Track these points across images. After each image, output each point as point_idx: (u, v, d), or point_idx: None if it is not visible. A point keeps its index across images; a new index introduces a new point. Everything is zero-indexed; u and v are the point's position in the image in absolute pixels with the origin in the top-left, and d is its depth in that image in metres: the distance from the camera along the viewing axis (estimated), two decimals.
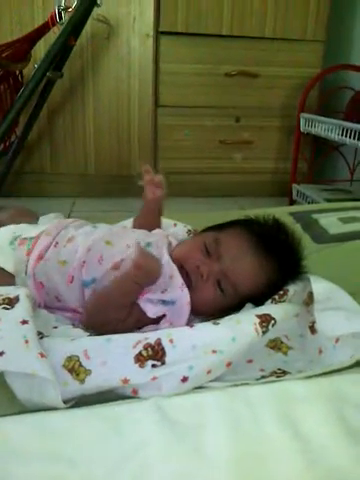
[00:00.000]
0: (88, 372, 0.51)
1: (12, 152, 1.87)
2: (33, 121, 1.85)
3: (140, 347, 0.53)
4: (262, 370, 0.58)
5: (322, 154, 2.22)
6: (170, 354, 0.53)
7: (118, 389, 0.52)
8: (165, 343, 0.54)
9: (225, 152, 2.21)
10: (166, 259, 0.69)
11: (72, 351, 0.53)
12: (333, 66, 2.06)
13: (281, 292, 0.68)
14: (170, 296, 0.66)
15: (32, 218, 0.92)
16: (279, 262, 0.69)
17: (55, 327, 0.62)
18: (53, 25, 1.51)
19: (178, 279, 0.66)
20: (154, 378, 0.51)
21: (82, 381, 0.51)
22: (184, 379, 0.52)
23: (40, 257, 0.70)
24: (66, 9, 1.49)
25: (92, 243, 0.71)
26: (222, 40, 2.06)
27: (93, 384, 0.51)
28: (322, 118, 1.83)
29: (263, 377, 0.56)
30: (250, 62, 2.10)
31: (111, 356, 0.52)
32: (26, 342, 0.51)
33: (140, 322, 0.64)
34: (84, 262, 0.68)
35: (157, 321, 0.65)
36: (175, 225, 0.95)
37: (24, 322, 0.54)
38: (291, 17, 2.06)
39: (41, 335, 0.55)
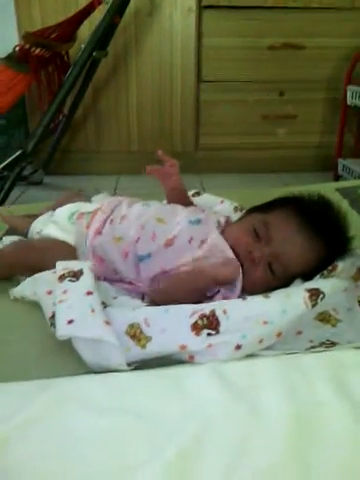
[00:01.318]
0: (149, 338, 0.56)
1: (59, 131, 1.92)
2: (79, 100, 1.90)
3: (196, 317, 0.57)
4: (311, 341, 0.61)
5: None
6: (224, 324, 0.56)
7: (176, 355, 0.56)
8: (219, 313, 0.57)
9: (268, 127, 2.19)
10: (216, 235, 0.72)
11: (134, 319, 0.57)
12: None
13: (330, 267, 0.70)
14: None
15: (83, 198, 0.97)
16: (327, 240, 0.70)
17: (115, 297, 0.66)
18: (98, 4, 1.52)
19: (230, 253, 0.69)
20: (210, 345, 0.55)
21: (143, 347, 0.55)
22: (238, 347, 0.55)
23: (98, 232, 0.75)
24: None
25: (145, 221, 0.74)
26: (266, 12, 2.02)
27: (153, 349, 0.55)
28: None
29: (312, 347, 0.59)
30: (295, 34, 2.05)
31: (170, 324, 0.56)
32: (92, 311, 0.56)
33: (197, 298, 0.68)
34: (138, 238, 0.72)
35: (211, 297, 0.68)
36: (222, 202, 0.98)
37: (89, 293, 0.58)
38: None
39: (104, 305, 0.59)
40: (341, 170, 2.02)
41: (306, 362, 0.49)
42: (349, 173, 1.95)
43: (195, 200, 0.92)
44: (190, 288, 0.65)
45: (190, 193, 0.99)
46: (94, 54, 1.61)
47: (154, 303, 0.65)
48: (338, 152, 2.07)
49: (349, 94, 1.93)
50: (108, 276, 0.73)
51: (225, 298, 0.67)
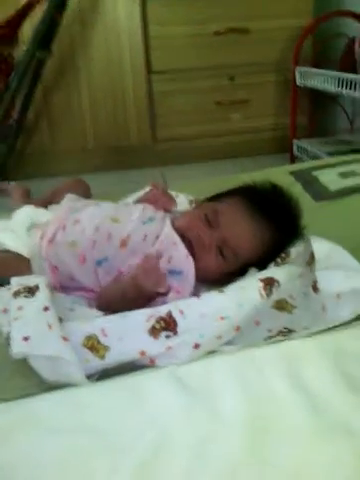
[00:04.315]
0: (107, 348, 0.56)
1: (11, 136, 1.88)
2: (28, 103, 1.85)
3: (153, 320, 0.57)
4: (269, 330, 0.62)
5: (321, 106, 2.19)
6: (181, 324, 0.57)
7: (137, 360, 0.56)
8: (176, 314, 0.58)
9: (223, 113, 2.19)
10: (168, 228, 0.73)
11: (90, 331, 0.57)
12: (325, 14, 2.00)
13: (283, 255, 0.71)
14: (177, 265, 0.69)
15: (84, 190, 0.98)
16: (276, 225, 0.71)
17: (72, 309, 0.66)
18: (37, 2, 1.49)
19: (182, 247, 0.70)
20: (169, 348, 0.56)
21: (102, 357, 0.55)
22: (196, 346, 0.56)
23: (50, 241, 0.74)
24: None
25: (99, 222, 0.74)
26: None
27: (113, 359, 0.55)
28: (317, 70, 1.81)
29: (270, 337, 0.60)
30: (239, 18, 2.05)
31: (127, 332, 0.57)
32: (49, 327, 0.55)
33: (150, 298, 0.68)
34: (94, 242, 0.71)
35: (165, 294, 0.68)
36: (177, 196, 0.98)
37: (46, 309, 0.58)
38: None
39: (61, 320, 0.58)
40: (297, 151, 2.05)
41: (262, 356, 0.50)
42: (304, 153, 1.98)
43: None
44: (123, 299, 0.66)
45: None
46: (37, 54, 1.57)
47: (103, 310, 0.65)
48: (292, 133, 2.09)
49: (298, 75, 1.95)
50: (64, 284, 0.73)
51: (178, 292, 0.67)
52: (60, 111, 2.10)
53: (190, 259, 0.70)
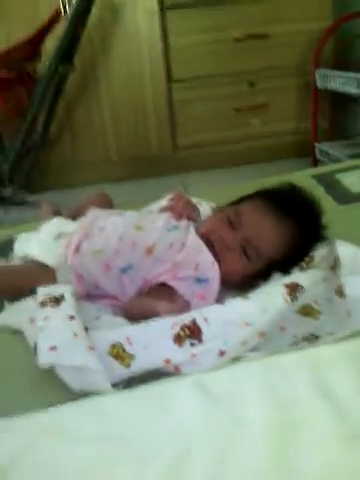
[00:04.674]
0: (132, 357, 0.56)
1: (35, 149, 1.92)
2: (52, 116, 1.89)
3: (177, 328, 0.57)
4: (295, 336, 0.61)
5: (342, 109, 2.16)
6: (206, 331, 0.57)
7: (162, 368, 0.57)
8: (200, 322, 0.58)
9: (242, 119, 2.19)
10: (193, 235, 0.74)
11: (115, 339, 0.57)
12: (345, 15, 1.98)
13: (307, 259, 0.71)
14: (203, 273, 0.70)
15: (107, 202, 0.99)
16: (298, 224, 0.71)
17: (97, 318, 0.67)
18: (59, 18, 1.52)
19: (207, 255, 0.70)
20: (193, 355, 0.56)
21: (128, 365, 0.56)
22: (221, 353, 0.56)
23: (76, 250, 0.75)
24: (70, 0, 1.50)
25: (123, 230, 0.75)
26: (227, 5, 2.02)
27: (138, 367, 0.56)
28: (337, 72, 1.79)
29: (295, 343, 0.59)
30: (258, 23, 2.05)
31: (152, 339, 0.57)
32: (75, 336, 0.56)
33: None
34: (118, 250, 0.72)
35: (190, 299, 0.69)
36: (200, 204, 0.98)
37: (72, 318, 0.59)
38: None
39: (86, 329, 0.59)
40: (318, 154, 2.03)
41: (287, 362, 0.50)
42: (326, 157, 1.96)
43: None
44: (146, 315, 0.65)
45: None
46: (60, 69, 1.61)
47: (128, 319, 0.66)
48: (314, 137, 2.07)
49: (318, 78, 1.94)
50: (90, 292, 0.74)
51: (203, 299, 0.68)
52: (82, 123, 2.14)
53: (216, 266, 0.70)
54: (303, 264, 0.71)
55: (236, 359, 0.56)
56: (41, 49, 1.62)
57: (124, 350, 0.56)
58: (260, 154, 2.22)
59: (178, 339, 0.56)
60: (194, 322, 0.58)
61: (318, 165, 2.01)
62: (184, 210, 0.82)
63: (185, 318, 0.58)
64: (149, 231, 0.75)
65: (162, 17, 2.01)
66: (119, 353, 0.56)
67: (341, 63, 2.00)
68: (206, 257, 0.71)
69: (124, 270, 0.72)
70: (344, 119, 2.22)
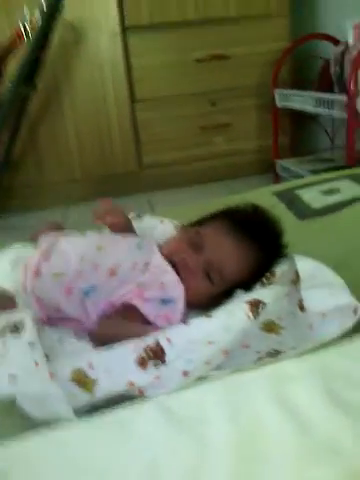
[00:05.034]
0: (94, 382, 0.55)
1: None
2: (15, 138, 1.87)
3: (140, 350, 0.57)
4: (258, 352, 0.62)
5: (302, 126, 2.23)
6: (169, 352, 0.57)
7: (126, 392, 0.56)
8: (163, 342, 0.57)
9: (206, 137, 2.23)
10: (158, 255, 0.73)
11: (77, 365, 0.56)
12: (301, 37, 2.06)
13: (268, 275, 0.72)
14: (168, 293, 0.70)
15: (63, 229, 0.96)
16: (259, 245, 0.72)
17: (60, 343, 0.65)
18: (21, 41, 1.52)
19: (172, 274, 0.70)
20: (157, 377, 0.55)
21: (90, 391, 0.55)
22: (185, 373, 0.56)
23: (36, 273, 0.74)
24: (31, 23, 1.50)
25: (84, 251, 0.74)
26: (188, 27, 2.07)
27: (101, 392, 0.55)
28: (295, 91, 1.85)
29: (259, 359, 0.60)
30: (219, 45, 2.11)
31: (114, 363, 0.56)
32: (36, 364, 0.55)
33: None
34: (80, 272, 0.71)
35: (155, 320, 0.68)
36: (162, 222, 0.99)
37: (32, 345, 0.57)
38: None
39: (47, 356, 0.58)
40: (280, 171, 2.09)
41: (250, 380, 0.50)
42: (287, 173, 2.01)
43: (136, 224, 0.93)
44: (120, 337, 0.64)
45: (130, 216, 0.99)
46: (22, 91, 1.60)
47: (97, 343, 0.65)
48: (275, 154, 2.13)
49: (277, 97, 2.00)
50: (52, 316, 0.72)
51: (168, 319, 0.67)
52: (46, 144, 2.12)
53: (181, 286, 0.70)
54: (264, 280, 0.72)
55: (200, 378, 0.56)
56: (2, 71, 1.61)
57: (86, 375, 0.55)
58: (224, 172, 2.26)
59: (141, 361, 0.56)
60: (157, 343, 0.57)
61: (280, 181, 2.06)
62: (105, 215, 0.81)
63: (148, 340, 0.58)
64: (111, 251, 0.74)
65: (124, 38, 2.04)
66: (81, 379, 0.55)
67: (299, 82, 2.07)
68: (171, 277, 0.71)
69: (87, 293, 0.70)
70: (304, 136, 2.29)
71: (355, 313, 0.63)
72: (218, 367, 0.59)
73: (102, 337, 0.66)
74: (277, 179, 2.11)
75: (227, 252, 0.72)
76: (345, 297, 0.64)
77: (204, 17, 2.07)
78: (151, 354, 0.56)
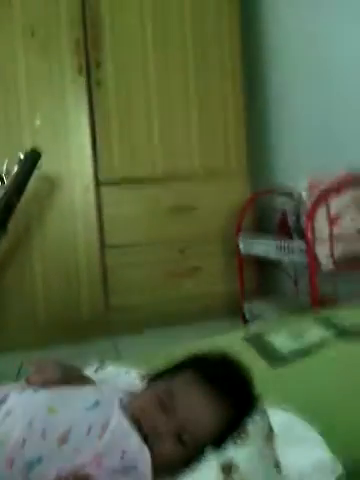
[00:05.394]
0: None
1: None
2: None
3: None
4: None
5: (266, 270, 2.31)
6: None
7: None
8: None
9: (174, 282, 2.27)
10: (118, 416, 0.66)
11: None
12: (259, 192, 2.26)
13: (243, 435, 0.66)
14: (131, 460, 0.62)
15: None
16: (234, 400, 0.68)
17: None
18: None
19: (135, 440, 0.63)
20: None
21: None
22: None
23: None
24: (8, 173, 1.59)
25: (33, 414, 0.64)
26: (157, 182, 2.25)
27: None
28: (257, 240, 1.96)
29: None
30: (186, 197, 2.27)
31: None
32: None
33: None
34: (24, 440, 0.62)
35: None
36: (126, 373, 0.93)
37: None
38: (214, 155, 2.31)
39: None
40: (247, 314, 2.10)
41: None
42: (255, 316, 2.02)
43: (97, 376, 0.87)
44: None
45: (92, 369, 0.94)
46: None
47: None
48: (242, 298, 2.16)
49: (241, 244, 2.10)
50: None
51: None
52: (11, 288, 2.10)
53: (146, 451, 0.62)
54: (238, 440, 0.66)
55: None
56: None
57: None
58: (193, 314, 2.25)
59: None
60: None
61: (248, 323, 2.06)
62: (38, 378, 0.73)
63: None
64: (64, 413, 0.65)
65: (97, 190, 2.17)
66: None
67: (261, 230, 2.20)
68: (134, 443, 0.63)
69: (31, 465, 0.60)
70: (269, 280, 2.36)
71: (333, 472, 0.57)
72: None
73: None
74: (245, 322, 2.11)
75: (200, 412, 0.66)
76: (321, 454, 0.59)
77: (171, 173, 2.26)
78: None
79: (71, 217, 2.16)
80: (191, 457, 0.64)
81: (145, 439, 0.64)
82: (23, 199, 1.87)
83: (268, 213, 2.29)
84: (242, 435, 0.66)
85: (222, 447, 0.65)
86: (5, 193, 1.58)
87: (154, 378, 0.77)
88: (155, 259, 2.24)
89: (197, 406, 0.66)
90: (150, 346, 1.94)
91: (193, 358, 0.77)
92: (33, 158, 1.62)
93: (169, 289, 2.26)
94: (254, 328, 1.39)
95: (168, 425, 0.65)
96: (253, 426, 0.68)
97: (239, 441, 0.65)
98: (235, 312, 2.19)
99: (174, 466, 0.63)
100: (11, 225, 1.88)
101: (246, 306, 2.11)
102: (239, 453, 0.61)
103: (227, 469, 0.57)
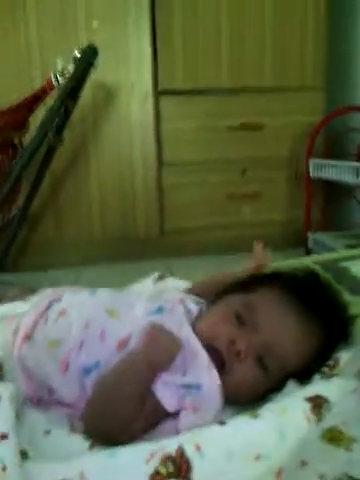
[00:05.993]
0: None
1: (15, 225, 1.80)
2: (35, 191, 1.79)
3: (156, 462, 0.39)
4: (321, 477, 0.43)
5: (335, 200, 2.12)
6: (198, 468, 0.39)
7: None
8: (190, 452, 0.40)
9: (233, 206, 2.13)
10: (186, 331, 0.56)
11: (65, 474, 0.39)
12: (338, 110, 2.01)
13: (331, 362, 0.54)
14: (194, 379, 0.52)
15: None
16: (325, 323, 0.56)
17: (47, 433, 0.48)
18: (50, 90, 1.47)
19: (203, 357, 0.53)
20: None
21: None
22: None
23: (27, 336, 0.58)
24: (63, 73, 1.46)
25: (90, 316, 0.58)
26: (222, 94, 2.04)
27: None
28: (333, 161, 1.76)
29: None
30: (252, 114, 2.07)
31: (118, 479, 0.38)
32: (3, 469, 0.37)
33: (155, 417, 0.50)
34: (82, 343, 0.55)
35: (177, 412, 0.51)
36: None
37: (3, 437, 0.40)
38: (289, 66, 2.06)
39: (25, 454, 0.41)
40: (312, 245, 1.95)
41: None
42: (320, 247, 1.87)
43: (158, 286, 0.77)
44: (122, 381, 0.49)
45: (151, 280, 0.84)
46: (47, 140, 1.53)
47: (88, 428, 0.48)
48: (307, 226, 2.00)
49: (311, 167, 1.91)
50: (42, 396, 0.55)
51: (196, 412, 0.49)
52: (68, 201, 2.04)
53: (214, 371, 0.53)
54: (326, 369, 0.54)
55: None
56: (29, 120, 1.55)
57: None
58: (250, 243, 2.12)
59: (157, 479, 0.38)
60: (181, 452, 0.40)
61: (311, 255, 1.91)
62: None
63: (168, 445, 0.40)
64: (125, 319, 0.58)
65: (156, 101, 2.01)
66: None
67: (333, 155, 1.99)
68: (200, 358, 0.54)
69: (87, 371, 0.54)
70: (337, 211, 2.18)
71: None
72: None
73: (92, 417, 0.49)
74: (308, 253, 1.97)
75: (287, 333, 0.55)
76: None
77: (238, 85, 2.04)
78: (171, 469, 0.39)
79: (128, 130, 2.02)
80: (272, 388, 0.53)
81: (220, 363, 0.53)
82: (79, 109, 1.76)
83: (344, 136, 2.06)
84: (332, 366, 0.54)
85: (308, 381, 0.53)
86: (60, 95, 1.45)
87: (225, 291, 0.66)
88: (214, 180, 2.10)
89: (284, 324, 0.54)
90: (205, 271, 1.86)
91: (276, 272, 0.64)
92: (89, 55, 1.46)
93: (227, 214, 2.13)
94: (325, 255, 1.25)
95: (249, 341, 0.54)
96: (345, 357, 0.56)
97: (328, 373, 0.54)
98: (297, 243, 2.04)
99: (251, 395, 0.53)
100: (67, 137, 1.79)
101: (311, 236, 1.96)
102: (329, 388, 0.49)
103: (317, 405, 0.45)
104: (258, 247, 0.73)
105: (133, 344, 0.55)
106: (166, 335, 0.53)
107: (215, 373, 0.52)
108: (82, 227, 2.07)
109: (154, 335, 0.52)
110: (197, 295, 0.69)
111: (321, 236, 1.91)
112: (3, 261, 1.87)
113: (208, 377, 0.52)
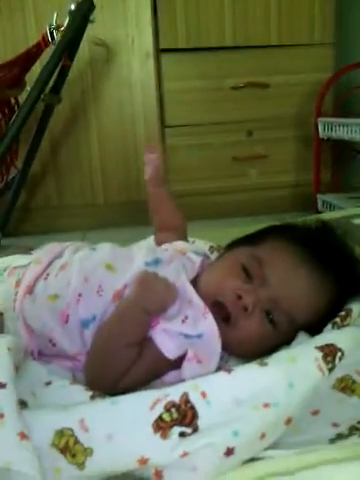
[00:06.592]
0: (88, 451, 0.35)
1: (14, 188, 1.76)
2: (34, 153, 1.74)
3: (160, 408, 0.37)
4: (335, 425, 0.41)
5: (344, 161, 2.07)
6: (204, 415, 0.37)
7: (135, 471, 0.36)
8: (195, 399, 0.38)
9: (239, 169, 2.08)
10: (182, 280, 0.54)
11: (64, 422, 0.37)
12: (347, 66, 1.93)
13: (343, 313, 0.52)
14: (193, 328, 0.50)
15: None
16: (337, 275, 0.53)
17: (48, 384, 0.46)
18: (46, 46, 1.40)
19: (198, 303, 0.51)
20: (185, 454, 0.35)
21: (81, 465, 0.35)
22: (228, 451, 0.36)
23: (29, 291, 0.56)
24: (58, 28, 1.39)
25: (89, 270, 0.56)
26: (226, 52, 1.96)
27: (97, 468, 0.35)
28: (343, 120, 1.70)
29: (339, 437, 0.39)
30: (258, 72, 1.98)
31: (119, 426, 0.36)
32: (1, 417, 0.35)
33: (156, 368, 0.49)
34: (80, 295, 0.54)
35: (179, 363, 0.49)
36: (193, 242, 0.81)
37: (1, 386, 0.38)
38: (296, 22, 1.96)
39: (24, 403, 0.39)
40: (321, 206, 1.91)
41: (333, 474, 0.29)
42: (330, 209, 1.83)
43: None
44: (118, 328, 0.49)
45: (152, 238, 0.82)
46: (45, 98, 1.48)
47: (89, 378, 0.46)
48: (316, 188, 1.96)
49: (321, 127, 1.85)
50: (44, 350, 0.54)
51: (199, 361, 0.47)
52: (68, 164, 2.00)
53: (210, 317, 0.51)
54: (337, 320, 0.51)
55: (251, 461, 0.36)
56: (24, 77, 1.49)
57: (77, 441, 0.36)
58: (257, 206, 2.08)
59: (160, 426, 0.36)
60: (186, 399, 0.37)
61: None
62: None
63: (173, 392, 0.38)
64: (122, 271, 0.56)
65: (157, 60, 1.94)
66: (68, 445, 0.36)
67: (342, 113, 1.92)
68: (196, 306, 0.52)
69: (85, 323, 0.52)
70: (346, 172, 2.12)
71: None
72: (275, 444, 0.39)
73: (92, 366, 0.48)
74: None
75: (301, 287, 0.52)
76: None
77: (243, 43, 1.96)
78: (176, 415, 0.37)
79: (129, 89, 1.95)
80: (280, 344, 0.51)
81: (225, 316, 0.51)
82: (77, 67, 1.70)
83: (355, 93, 1.98)
84: (344, 316, 0.52)
85: (319, 332, 0.51)
86: (55, 51, 1.38)
87: (232, 245, 0.63)
88: (219, 141, 2.04)
89: (294, 278, 0.52)
90: (211, 235, 1.83)
91: (285, 224, 0.61)
92: (85, 8, 1.39)
93: (233, 176, 2.08)
94: (335, 213, 1.22)
95: (257, 295, 0.51)
96: (357, 308, 0.53)
97: (340, 324, 0.51)
98: (305, 205, 2.00)
99: (258, 350, 0.51)
100: (66, 96, 1.73)
101: (320, 197, 1.92)
102: (341, 337, 0.46)
103: (330, 353, 0.43)
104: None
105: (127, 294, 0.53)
106: (159, 281, 0.51)
107: (211, 319, 0.50)
108: (84, 191, 2.03)
109: (146, 280, 0.51)
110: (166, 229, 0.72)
111: (331, 197, 1.87)
112: (5, 225, 1.84)
113: (205, 324, 0.50)
